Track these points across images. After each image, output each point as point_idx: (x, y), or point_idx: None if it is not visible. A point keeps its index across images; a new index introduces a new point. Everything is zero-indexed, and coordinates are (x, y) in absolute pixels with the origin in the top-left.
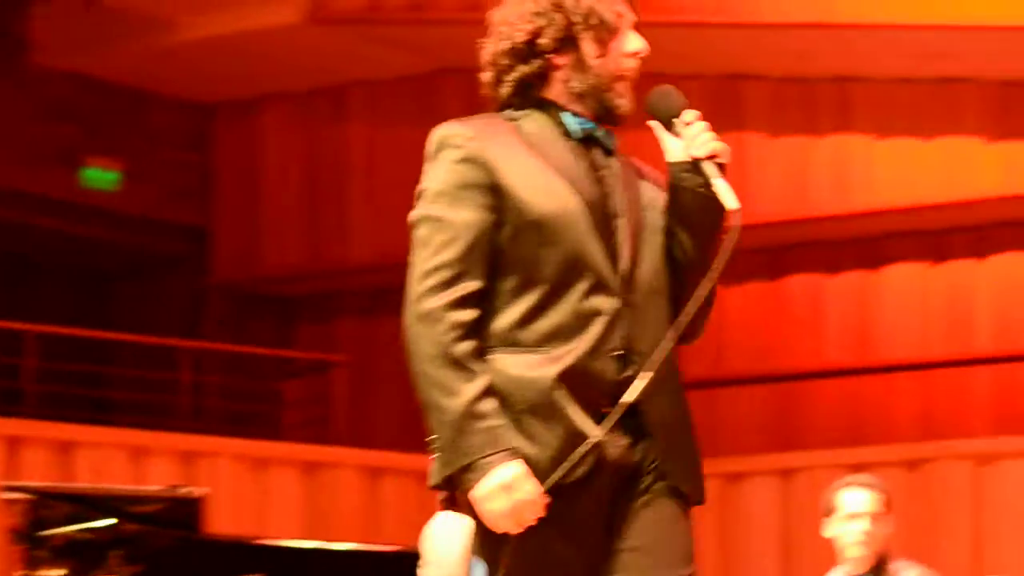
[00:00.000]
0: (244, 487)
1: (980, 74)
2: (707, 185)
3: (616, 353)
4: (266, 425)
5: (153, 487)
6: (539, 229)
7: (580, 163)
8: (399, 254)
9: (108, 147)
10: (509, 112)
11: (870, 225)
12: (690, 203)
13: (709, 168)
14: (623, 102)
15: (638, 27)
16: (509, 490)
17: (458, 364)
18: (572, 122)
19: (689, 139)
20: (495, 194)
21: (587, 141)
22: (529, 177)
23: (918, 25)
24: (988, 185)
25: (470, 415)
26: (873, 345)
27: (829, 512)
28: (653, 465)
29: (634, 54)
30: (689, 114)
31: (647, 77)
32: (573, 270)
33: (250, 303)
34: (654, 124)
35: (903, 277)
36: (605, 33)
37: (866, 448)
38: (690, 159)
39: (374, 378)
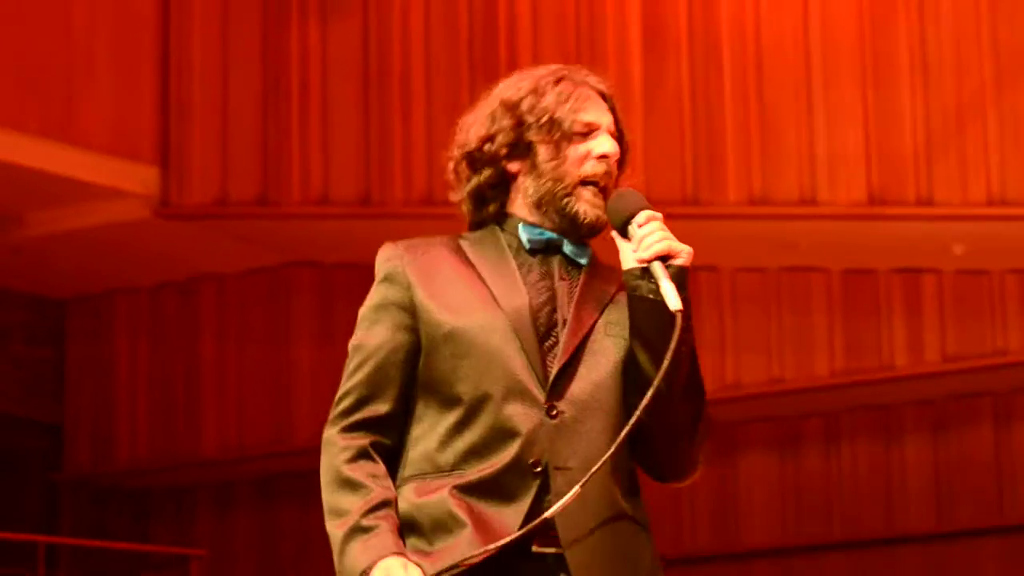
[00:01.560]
0: None
1: (825, 263)
2: (656, 290)
3: (536, 469)
4: None
5: None
6: (452, 343)
7: (530, 271)
8: (251, 446)
9: None
10: (467, 234)
11: (724, 411)
12: (640, 312)
13: (657, 270)
14: (586, 208)
15: None
16: None
17: (347, 484)
18: (525, 233)
19: (637, 241)
20: (411, 312)
21: (547, 251)
22: (446, 291)
23: (766, 214)
24: (837, 371)
25: (355, 530)
26: (731, 531)
27: None
28: None
29: (601, 157)
30: (643, 215)
31: None
32: (489, 384)
33: (105, 497)
34: (614, 233)
35: (759, 463)
36: (561, 137)
37: None
38: (639, 263)
39: (231, 571)
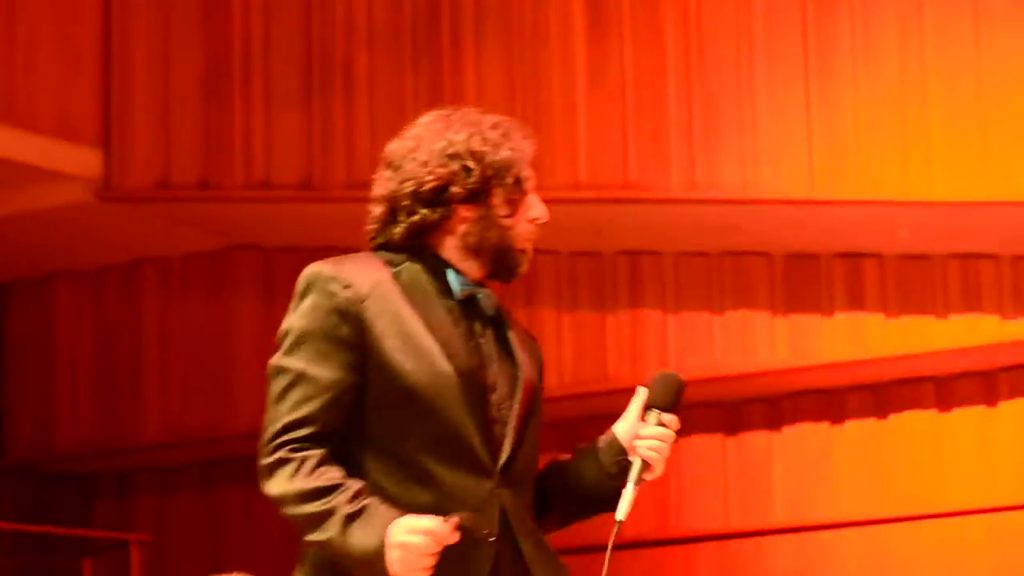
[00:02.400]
0: None
1: (768, 247)
2: (619, 478)
3: (492, 539)
4: None
5: None
6: (409, 400)
7: (458, 327)
8: (193, 431)
9: None
10: (388, 255)
11: None
12: (594, 474)
13: (635, 471)
14: (525, 264)
15: None
16: (406, 534)
17: (318, 492)
18: (455, 281)
19: (646, 435)
20: (363, 354)
21: (467, 303)
22: (403, 339)
23: (708, 199)
24: (779, 356)
25: (348, 520)
26: (672, 515)
27: None
28: None
29: (534, 220)
30: (669, 417)
31: None
32: (442, 447)
33: (46, 482)
34: (636, 396)
35: (700, 447)
36: (517, 192)
37: None
38: (629, 450)
39: (174, 555)
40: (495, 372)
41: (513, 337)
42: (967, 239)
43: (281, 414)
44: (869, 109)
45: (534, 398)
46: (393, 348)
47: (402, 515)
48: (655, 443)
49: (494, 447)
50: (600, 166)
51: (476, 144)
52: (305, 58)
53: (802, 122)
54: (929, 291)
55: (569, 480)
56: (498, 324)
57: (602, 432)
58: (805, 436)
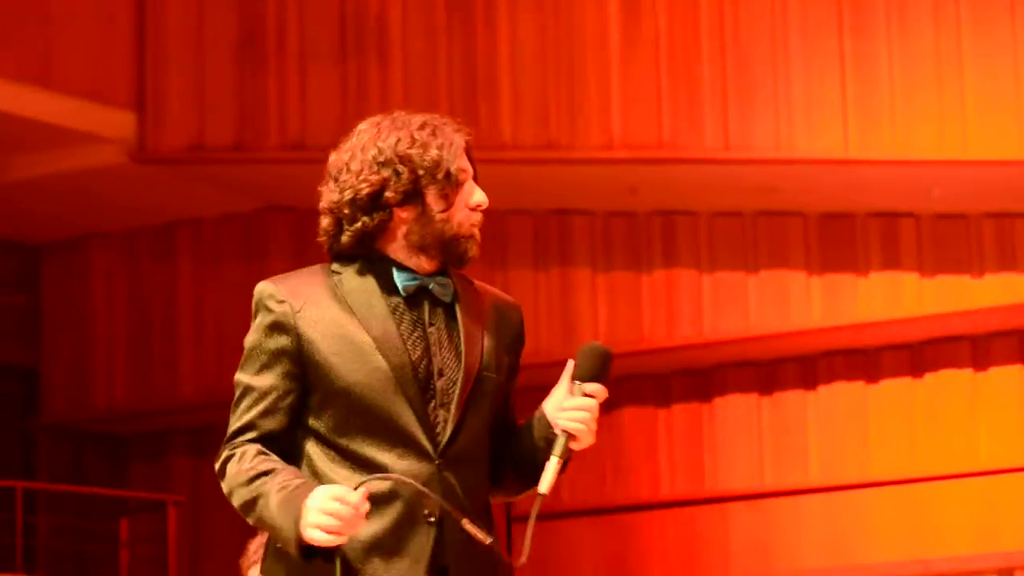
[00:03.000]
0: None
1: (803, 207)
2: (547, 452)
3: (431, 519)
4: (104, 565)
5: None
6: (347, 397)
7: (403, 320)
8: (228, 391)
9: None
10: (338, 264)
11: (701, 356)
12: (529, 446)
13: (559, 444)
14: (473, 252)
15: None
16: (319, 503)
17: (256, 477)
18: (400, 278)
19: (568, 407)
20: (300, 363)
21: (418, 295)
22: (336, 343)
23: (742, 159)
24: (814, 316)
25: (277, 499)
26: (708, 476)
27: None
28: None
29: (477, 207)
30: (600, 390)
31: None
32: (383, 437)
33: (82, 442)
34: (566, 370)
35: (737, 406)
36: (449, 187)
37: None
38: (554, 423)
39: (208, 516)
40: (443, 358)
41: (465, 321)
42: (1003, 198)
43: (232, 424)
44: (904, 68)
45: (477, 380)
46: (328, 351)
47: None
48: (578, 414)
49: (436, 431)
50: (634, 126)
51: (403, 148)
52: (339, 18)
53: (837, 81)
54: (964, 250)
55: (514, 451)
56: (453, 310)
57: (640, 392)
58: (840, 395)
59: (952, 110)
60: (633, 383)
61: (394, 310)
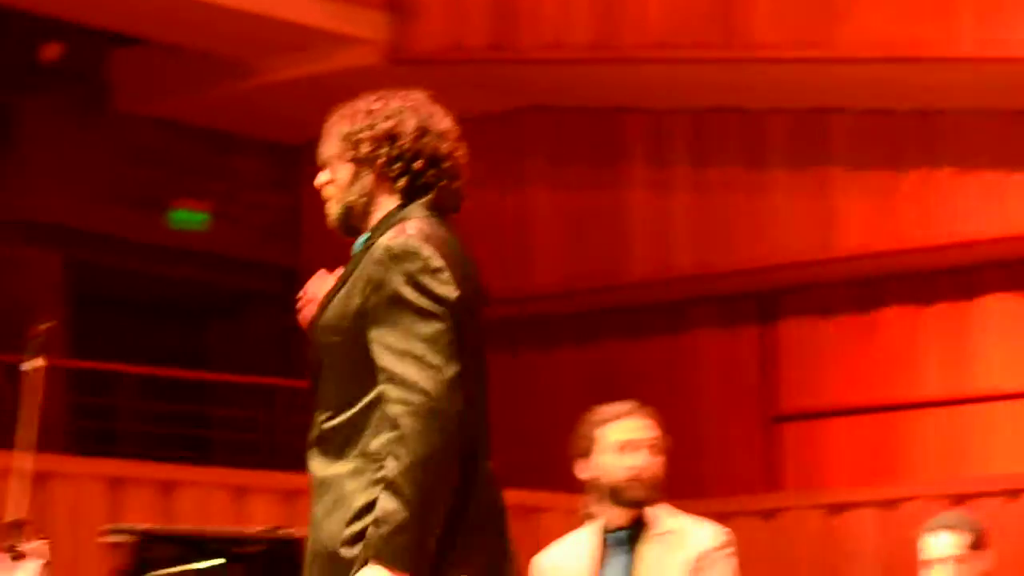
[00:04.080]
0: None
1: None
2: None
3: None
4: None
5: (254, 528)
6: None
7: None
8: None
9: (194, 190)
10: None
11: (960, 256)
12: None
13: None
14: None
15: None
16: None
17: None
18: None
19: None
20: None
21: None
22: None
23: (999, 57)
24: None
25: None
26: (970, 375)
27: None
28: None
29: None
30: None
31: (732, 112)
32: None
33: None
34: None
35: (997, 307)
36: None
37: (966, 478)
38: None
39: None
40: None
41: (342, 273)
42: None
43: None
44: None
45: (317, 345)
46: None
47: None
48: None
49: None
50: (890, 24)
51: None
52: None
53: None
54: None
55: None
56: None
57: (898, 291)
58: None
59: None
60: (891, 283)
61: None
